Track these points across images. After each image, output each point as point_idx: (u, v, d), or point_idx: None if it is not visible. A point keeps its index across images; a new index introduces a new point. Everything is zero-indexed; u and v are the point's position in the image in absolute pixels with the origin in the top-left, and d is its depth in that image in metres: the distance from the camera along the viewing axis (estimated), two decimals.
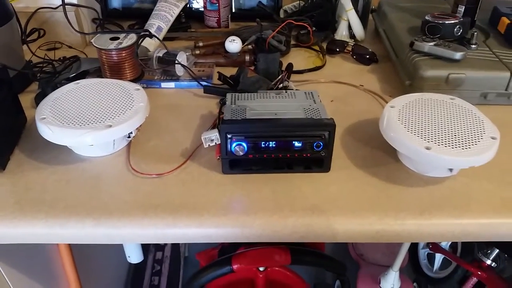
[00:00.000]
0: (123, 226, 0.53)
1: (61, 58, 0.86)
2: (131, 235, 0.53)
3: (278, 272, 0.92)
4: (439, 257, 1.34)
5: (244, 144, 0.57)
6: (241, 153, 0.57)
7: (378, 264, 1.30)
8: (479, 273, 1.10)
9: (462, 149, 0.55)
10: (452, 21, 0.78)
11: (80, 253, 0.89)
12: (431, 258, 1.39)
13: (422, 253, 1.41)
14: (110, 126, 0.58)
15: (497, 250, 1.10)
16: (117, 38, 0.77)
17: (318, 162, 0.60)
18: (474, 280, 1.15)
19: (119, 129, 0.58)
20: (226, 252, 0.73)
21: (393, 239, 0.54)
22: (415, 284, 1.29)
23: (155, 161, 0.62)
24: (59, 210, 0.55)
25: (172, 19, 0.93)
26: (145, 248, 1.20)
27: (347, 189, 0.58)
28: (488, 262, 1.10)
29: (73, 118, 0.59)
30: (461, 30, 0.79)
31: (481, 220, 0.54)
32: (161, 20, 0.91)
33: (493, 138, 0.57)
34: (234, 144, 0.57)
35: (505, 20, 0.81)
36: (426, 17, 0.80)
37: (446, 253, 1.25)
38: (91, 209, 0.55)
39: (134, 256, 0.94)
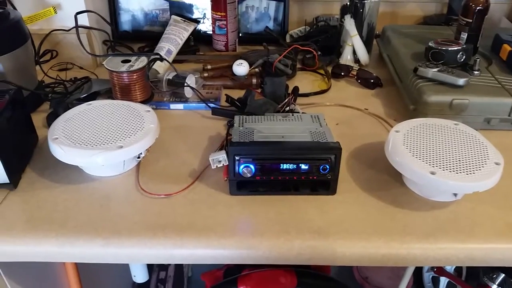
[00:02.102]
0: (131, 246, 0.54)
1: (72, 79, 0.88)
2: (139, 255, 0.54)
3: None
4: (443, 281, 1.33)
5: (252, 166, 0.58)
6: (249, 175, 0.58)
7: (383, 287, 1.29)
8: None
9: (467, 174, 0.55)
10: (455, 48, 0.80)
11: (85, 271, 0.89)
12: (435, 282, 1.37)
13: (427, 276, 1.40)
14: (121, 147, 0.59)
15: (503, 275, 1.09)
16: (129, 61, 0.79)
17: (325, 185, 0.61)
18: None
19: (129, 150, 0.59)
20: (232, 273, 0.73)
21: (399, 263, 0.55)
22: None
23: (164, 181, 0.63)
24: (69, 229, 0.55)
25: (181, 43, 0.95)
26: (149, 267, 1.20)
27: (353, 212, 0.59)
28: (494, 287, 1.09)
29: (85, 138, 0.61)
30: (464, 57, 0.81)
31: (486, 245, 0.54)
32: (171, 44, 0.93)
33: (497, 163, 0.57)
34: (242, 166, 0.58)
35: (506, 47, 0.83)
36: (430, 44, 0.82)
37: (451, 276, 1.24)
38: (101, 228, 0.55)
39: (140, 276, 0.94)
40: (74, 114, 0.67)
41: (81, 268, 0.85)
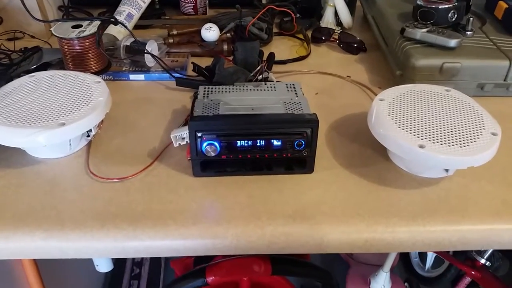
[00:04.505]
0: (77, 238, 0.47)
1: (22, 49, 0.78)
2: (86, 249, 0.47)
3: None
4: (431, 256, 1.30)
5: (216, 144, 0.50)
6: (213, 154, 0.51)
7: (368, 263, 1.26)
8: (473, 272, 1.06)
9: (460, 147, 0.49)
10: (446, 6, 0.73)
11: (47, 264, 0.82)
12: (423, 257, 1.34)
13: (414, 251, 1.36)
14: (64, 124, 0.51)
15: (491, 249, 1.05)
16: (80, 26, 0.70)
17: (300, 162, 0.54)
18: (467, 279, 1.10)
19: (73, 127, 0.51)
20: (202, 261, 0.67)
21: (383, 249, 0.48)
22: (406, 284, 1.24)
23: (118, 162, 0.56)
24: (5, 220, 0.48)
25: (144, 6, 0.85)
26: None
27: (333, 192, 0.52)
28: (482, 261, 1.05)
29: (23, 115, 0.52)
30: (455, 16, 0.73)
31: (481, 226, 0.48)
32: (132, 7, 0.83)
33: (493, 134, 0.51)
34: (205, 144, 0.50)
35: (502, 5, 0.76)
36: (418, 2, 0.75)
37: (438, 251, 1.21)
38: (42, 219, 0.48)
39: (103, 265, 0.87)
40: (13, 88, 0.58)
41: (42, 261, 0.78)
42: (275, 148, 0.52)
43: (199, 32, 0.80)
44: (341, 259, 1.34)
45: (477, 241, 0.48)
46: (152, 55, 0.71)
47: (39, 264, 0.77)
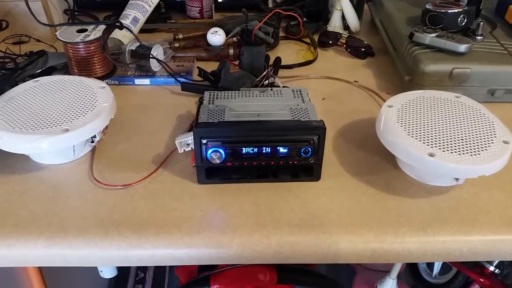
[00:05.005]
0: (80, 246, 0.46)
1: (27, 53, 0.78)
2: (89, 258, 0.46)
3: None
4: (438, 262, 1.28)
5: (221, 151, 0.50)
6: (218, 161, 0.50)
7: (374, 269, 1.24)
8: (481, 279, 1.04)
9: (471, 155, 0.48)
10: (456, 10, 0.71)
11: (51, 269, 0.81)
12: (430, 263, 1.32)
13: None
14: (67, 130, 0.50)
15: None
16: (85, 30, 0.70)
17: (307, 170, 0.53)
18: (476, 287, 1.09)
19: (77, 133, 0.51)
20: (207, 268, 0.66)
21: (392, 259, 0.47)
22: None
23: (122, 169, 0.55)
24: (8, 227, 0.47)
25: (150, 9, 0.85)
26: None
27: (340, 200, 0.51)
28: (491, 268, 1.03)
29: (27, 121, 0.52)
30: (465, 20, 0.72)
31: (492, 236, 0.47)
32: (137, 11, 0.83)
33: (505, 142, 0.50)
34: (210, 151, 0.50)
35: None
36: (427, 6, 0.73)
37: None
38: (45, 226, 0.47)
39: (107, 271, 0.86)
40: (18, 93, 0.57)
41: (46, 267, 0.78)
42: (281, 155, 0.51)
43: (205, 36, 0.80)
44: (347, 265, 1.33)
45: (488, 251, 0.47)
46: (158, 60, 0.70)
47: (43, 270, 0.76)
